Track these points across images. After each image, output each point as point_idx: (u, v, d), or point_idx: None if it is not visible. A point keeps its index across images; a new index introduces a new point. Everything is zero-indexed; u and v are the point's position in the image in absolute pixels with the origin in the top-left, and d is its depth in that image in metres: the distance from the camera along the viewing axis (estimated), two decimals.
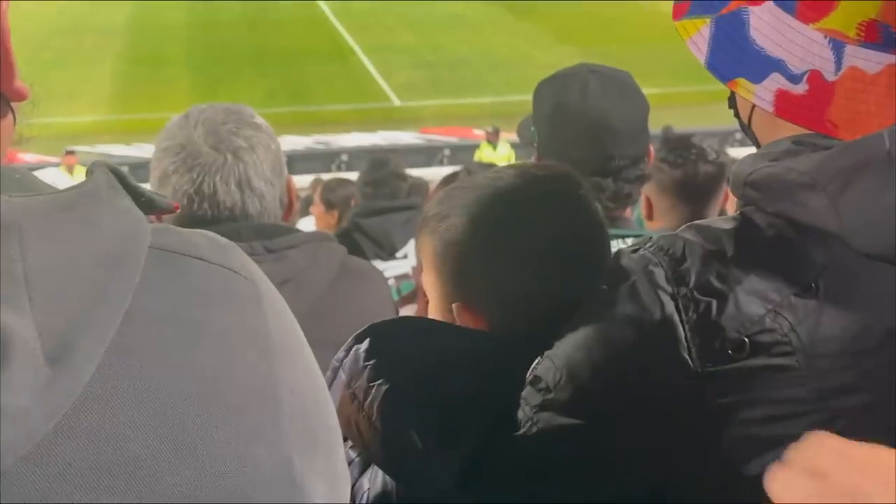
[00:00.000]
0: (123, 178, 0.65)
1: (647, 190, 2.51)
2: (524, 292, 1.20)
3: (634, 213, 2.50)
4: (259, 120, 1.80)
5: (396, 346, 1.21)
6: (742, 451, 0.84)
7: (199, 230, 0.67)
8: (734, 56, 0.91)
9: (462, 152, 13.56)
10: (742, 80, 0.90)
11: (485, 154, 12.63)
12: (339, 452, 0.70)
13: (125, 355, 0.57)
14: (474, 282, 1.21)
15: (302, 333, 0.69)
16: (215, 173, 1.66)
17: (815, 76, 0.86)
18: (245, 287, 0.66)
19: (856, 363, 0.82)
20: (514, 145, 11.80)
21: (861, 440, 0.81)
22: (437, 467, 1.05)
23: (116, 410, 0.56)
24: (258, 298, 0.66)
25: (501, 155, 11.97)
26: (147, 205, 0.64)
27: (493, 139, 13.02)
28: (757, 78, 0.89)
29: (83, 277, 0.56)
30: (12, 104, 0.63)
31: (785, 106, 0.88)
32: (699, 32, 0.93)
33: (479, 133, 13.83)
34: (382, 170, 4.67)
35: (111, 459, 0.55)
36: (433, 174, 8.50)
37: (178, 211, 1.19)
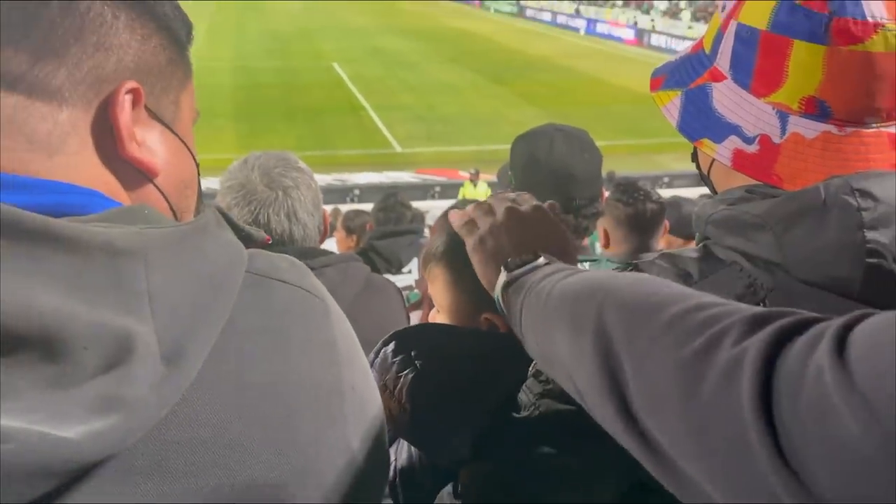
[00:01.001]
0: (226, 216, 0.66)
1: (604, 223, 2.54)
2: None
3: (588, 240, 2.52)
4: (302, 165, 1.83)
5: (418, 344, 1.20)
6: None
7: (283, 255, 0.68)
8: (700, 121, 0.91)
9: (449, 189, 13.61)
10: (706, 140, 0.90)
11: (468, 191, 12.59)
12: (384, 433, 0.70)
13: (224, 359, 0.58)
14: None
15: (357, 340, 0.70)
16: (268, 207, 1.68)
17: (764, 139, 0.86)
18: (317, 304, 0.66)
19: None
20: (490, 184, 11.81)
21: None
22: (455, 440, 1.04)
23: (215, 402, 0.57)
24: (327, 313, 0.66)
25: (480, 192, 11.93)
26: (245, 237, 0.64)
27: (474, 179, 12.94)
28: (718, 139, 0.89)
29: (193, 295, 0.57)
30: None
31: (741, 162, 0.88)
32: (672, 102, 0.93)
33: (463, 174, 13.87)
34: (391, 200, 4.78)
35: (210, 441, 0.56)
36: (427, 206, 8.62)
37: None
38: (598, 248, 2.87)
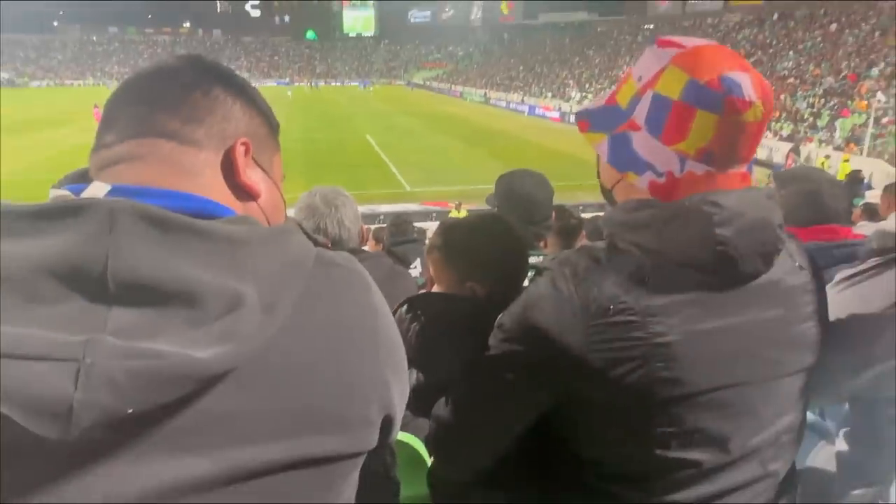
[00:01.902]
0: (301, 227, 0.68)
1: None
2: (495, 278, 1.21)
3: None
4: (347, 193, 1.90)
5: (422, 305, 1.21)
6: (608, 364, 0.82)
7: (339, 252, 0.67)
8: (625, 159, 0.88)
9: (442, 214, 13.55)
10: (630, 173, 0.88)
11: (453, 214, 12.59)
12: (405, 365, 0.70)
13: (301, 312, 0.58)
14: (474, 272, 1.21)
15: (387, 305, 0.70)
16: (325, 217, 1.73)
17: (670, 174, 0.85)
18: (362, 279, 0.66)
19: (667, 318, 0.81)
20: (469, 210, 11.79)
21: (674, 357, 0.81)
22: (449, 365, 1.04)
23: (297, 339, 0.57)
24: (369, 286, 0.66)
25: (462, 215, 12.01)
26: (313, 241, 0.65)
27: (458, 207, 12.95)
28: (640, 172, 0.87)
29: (280, 271, 0.58)
30: None
31: (654, 189, 0.86)
32: (602, 142, 0.91)
33: (450, 204, 13.94)
34: (401, 220, 4.87)
35: (295, 365, 0.57)
36: (427, 225, 8.72)
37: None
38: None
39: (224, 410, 0.52)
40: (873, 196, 7.22)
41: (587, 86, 44.87)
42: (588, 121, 0.94)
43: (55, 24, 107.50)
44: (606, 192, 0.98)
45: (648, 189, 0.86)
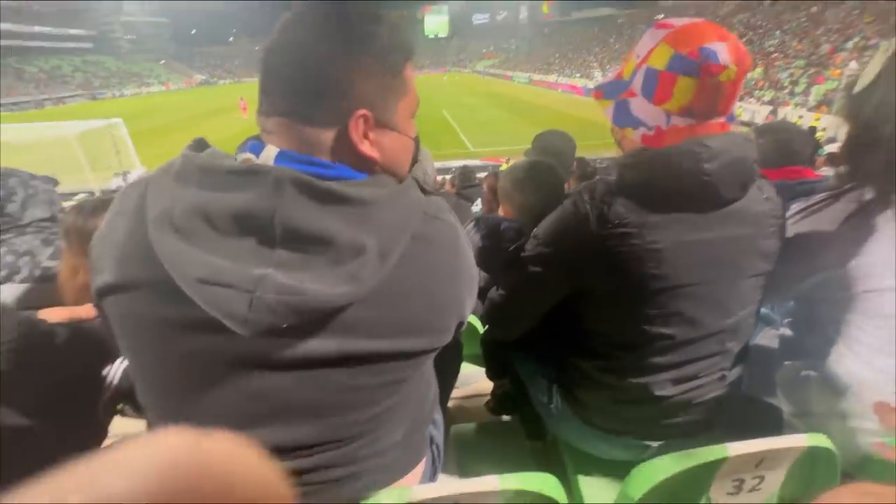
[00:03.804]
0: (417, 180, 0.62)
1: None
2: (534, 203, 1.19)
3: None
4: (428, 151, 1.86)
5: (484, 221, 1.21)
6: (613, 263, 0.80)
7: (436, 201, 0.61)
8: (624, 119, 0.83)
9: (495, 166, 13.23)
10: (628, 129, 0.83)
11: (503, 167, 12.24)
12: (476, 291, 0.65)
13: (408, 255, 0.55)
14: (526, 200, 1.20)
15: (469, 244, 0.64)
16: (417, 171, 1.67)
17: (658, 128, 0.80)
18: (453, 229, 0.61)
19: (659, 231, 0.77)
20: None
21: (663, 259, 0.77)
22: (499, 260, 1.04)
23: (403, 275, 0.55)
24: (458, 234, 0.62)
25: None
26: (422, 188, 0.61)
27: (507, 161, 12.41)
28: (635, 128, 0.82)
29: (397, 223, 0.54)
30: None
31: (646, 140, 0.81)
32: (609, 107, 0.86)
33: (502, 159, 13.47)
34: (466, 170, 4.64)
35: (399, 293, 0.55)
36: (484, 175, 8.43)
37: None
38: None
39: (348, 320, 0.53)
40: (836, 147, 6.37)
41: (607, 67, 41.11)
42: (601, 91, 0.90)
43: (230, 39, 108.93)
44: (618, 144, 0.93)
45: (641, 140, 0.82)
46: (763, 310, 1.16)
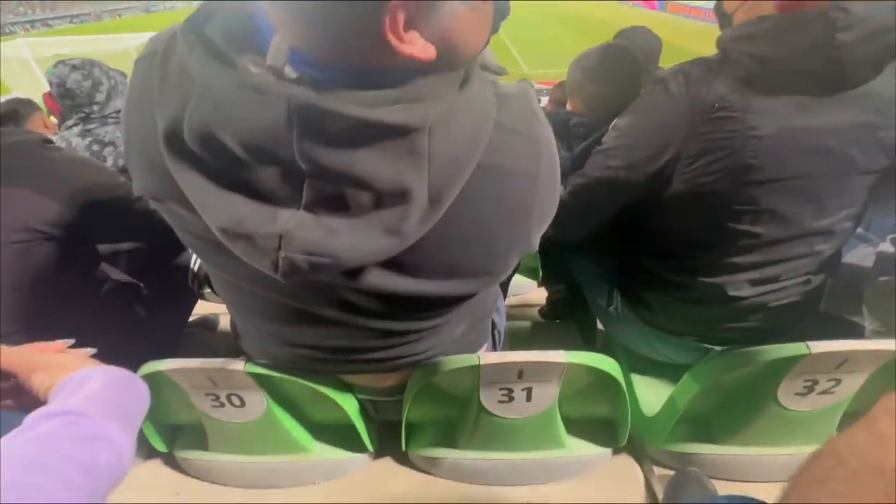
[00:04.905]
0: (483, 62, 0.48)
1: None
2: (608, 95, 1.10)
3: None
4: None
5: (548, 118, 1.19)
6: (702, 150, 0.71)
7: (519, 88, 0.49)
8: None
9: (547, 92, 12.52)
10: None
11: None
12: (552, 214, 0.54)
13: (473, 192, 0.45)
14: (590, 93, 1.11)
15: (555, 164, 0.51)
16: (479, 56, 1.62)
17: None
18: (534, 148, 0.48)
19: (764, 115, 0.69)
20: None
21: (763, 148, 0.69)
22: (568, 160, 1.00)
23: (459, 217, 0.47)
24: (539, 155, 0.49)
25: None
26: (493, 72, 0.49)
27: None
28: None
29: (456, 153, 0.42)
30: None
31: (783, 6, 0.69)
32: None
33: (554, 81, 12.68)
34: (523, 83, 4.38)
35: (459, 236, 0.49)
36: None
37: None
38: None
39: (393, 262, 0.48)
40: None
41: None
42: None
43: None
44: (725, 18, 0.81)
45: (776, 7, 0.69)
46: (858, 229, 1.06)
